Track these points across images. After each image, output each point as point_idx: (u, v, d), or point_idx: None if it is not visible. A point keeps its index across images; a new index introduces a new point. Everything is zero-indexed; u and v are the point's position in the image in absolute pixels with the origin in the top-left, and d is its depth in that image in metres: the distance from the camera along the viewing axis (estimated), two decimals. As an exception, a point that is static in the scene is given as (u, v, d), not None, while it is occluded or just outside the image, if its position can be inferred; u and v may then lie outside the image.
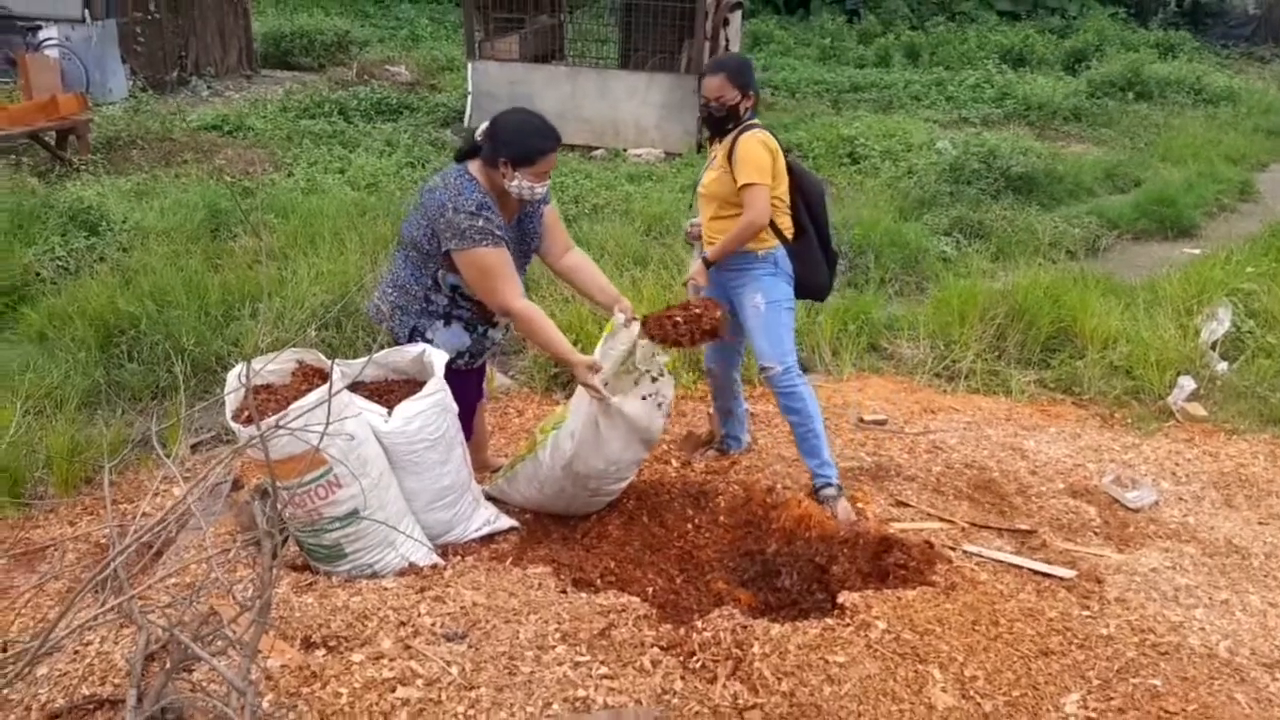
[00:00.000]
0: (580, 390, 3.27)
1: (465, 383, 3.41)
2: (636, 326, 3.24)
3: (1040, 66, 15.28)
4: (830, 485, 3.57)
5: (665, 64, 10.67)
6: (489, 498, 3.50)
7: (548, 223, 3.36)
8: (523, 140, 3.07)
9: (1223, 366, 4.99)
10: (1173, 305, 5.61)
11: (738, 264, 3.56)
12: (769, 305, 3.55)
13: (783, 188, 3.53)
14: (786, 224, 3.58)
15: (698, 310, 3.37)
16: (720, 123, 3.51)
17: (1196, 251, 7.20)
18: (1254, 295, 5.67)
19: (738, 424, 4.03)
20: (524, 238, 3.30)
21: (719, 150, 3.54)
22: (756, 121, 3.53)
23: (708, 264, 3.57)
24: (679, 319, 3.35)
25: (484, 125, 3.15)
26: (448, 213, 3.06)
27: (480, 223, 3.04)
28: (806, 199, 3.61)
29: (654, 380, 3.28)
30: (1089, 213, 7.97)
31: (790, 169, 3.55)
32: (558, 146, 3.14)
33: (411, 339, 3.27)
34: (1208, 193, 8.67)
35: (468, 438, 3.46)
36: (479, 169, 3.14)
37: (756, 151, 3.41)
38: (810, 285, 3.66)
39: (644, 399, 3.26)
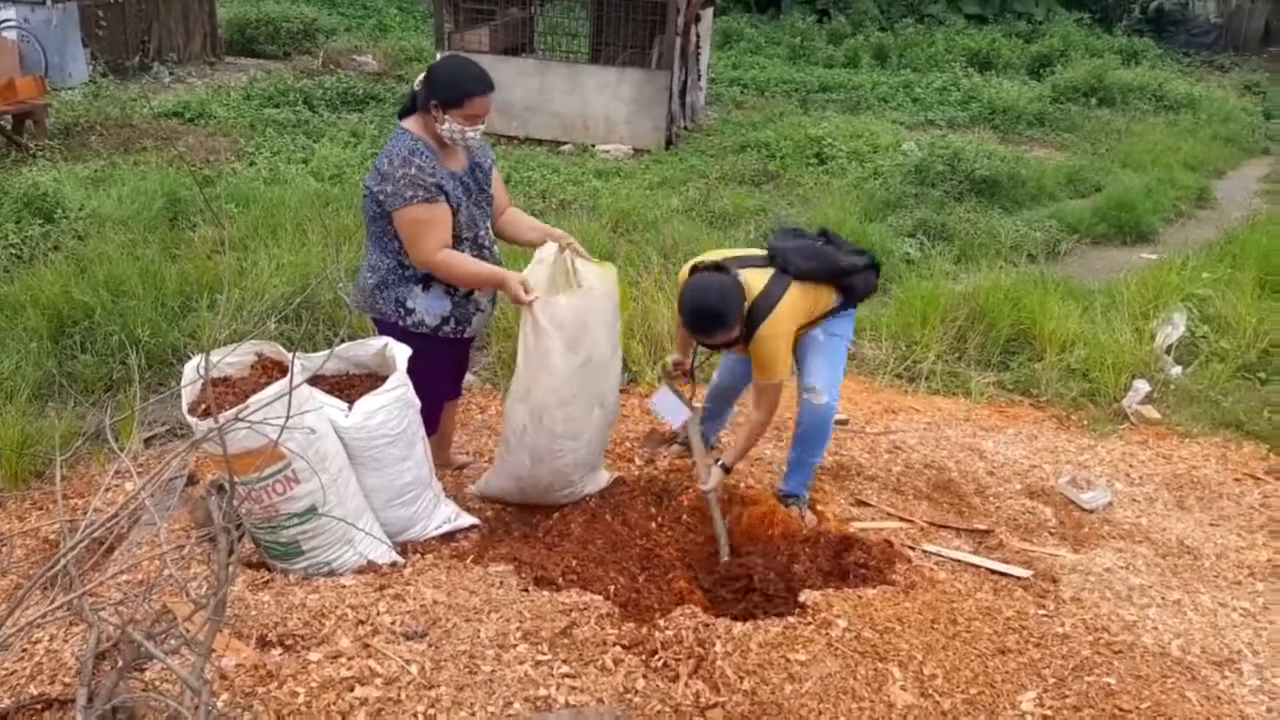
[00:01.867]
0: (521, 334, 3.20)
1: (448, 358, 3.37)
2: (553, 247, 3.22)
3: (1006, 70, 15.46)
4: (799, 500, 3.61)
5: (636, 59, 10.65)
6: (473, 498, 3.49)
7: (494, 183, 3.37)
8: (453, 82, 3.07)
9: (1177, 371, 5.09)
10: (1129, 309, 5.70)
11: None
12: (829, 337, 3.49)
13: (807, 314, 3.40)
14: (826, 305, 3.45)
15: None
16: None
17: (1154, 257, 7.32)
18: (1208, 301, 5.78)
19: (718, 426, 4.04)
20: (480, 186, 3.28)
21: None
22: (762, 284, 3.28)
23: (727, 470, 3.49)
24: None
25: (421, 75, 3.16)
26: (382, 166, 3.08)
27: (412, 171, 3.03)
28: (824, 277, 3.40)
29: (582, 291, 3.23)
30: (1050, 217, 8.09)
31: (792, 271, 3.32)
32: (489, 92, 3.12)
33: (397, 313, 3.24)
34: (1166, 199, 8.82)
35: (434, 429, 3.44)
36: (415, 121, 3.16)
37: (770, 350, 3.28)
38: (860, 295, 3.55)
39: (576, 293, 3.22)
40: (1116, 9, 19.74)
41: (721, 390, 3.95)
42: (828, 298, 3.46)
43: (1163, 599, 3.14)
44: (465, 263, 3.15)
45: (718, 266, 3.31)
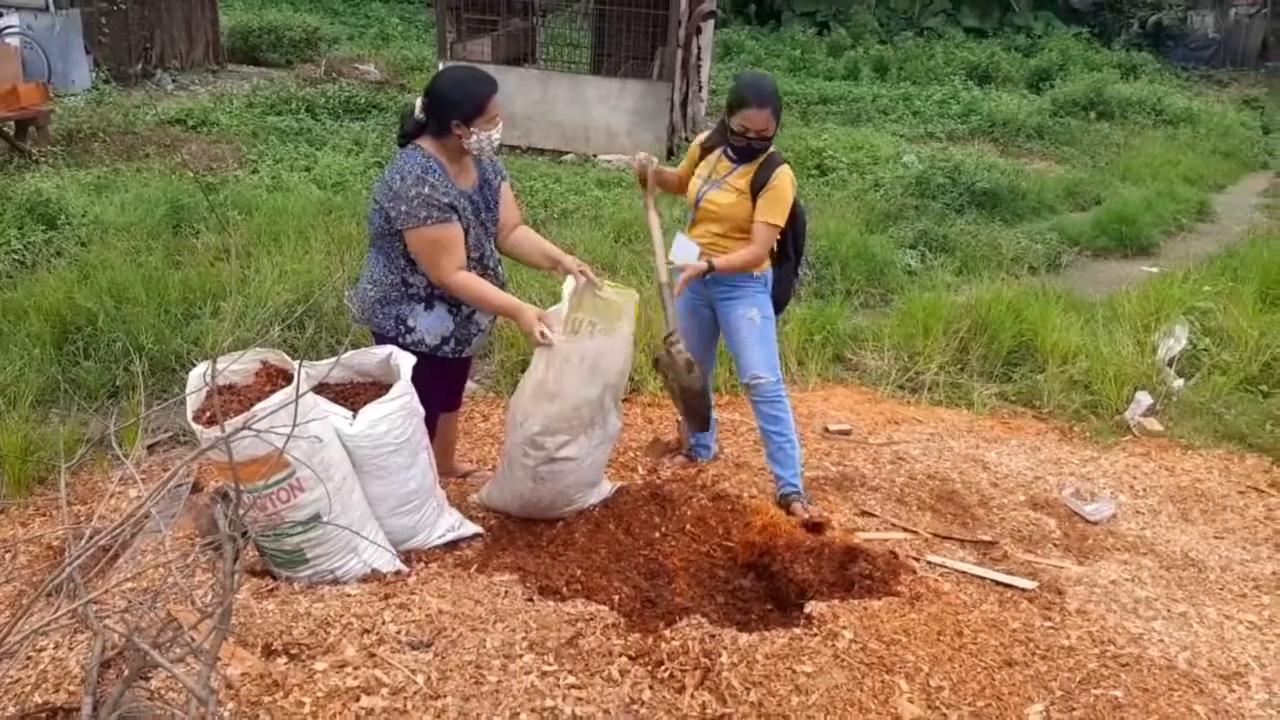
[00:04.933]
0: (534, 362, 3.24)
1: (445, 374, 3.36)
2: (571, 281, 3.22)
3: (1005, 84, 15.52)
4: (798, 494, 3.62)
5: (638, 70, 10.68)
6: (476, 507, 3.49)
7: (505, 198, 3.35)
8: (467, 94, 3.06)
9: (1179, 383, 5.09)
10: (1131, 322, 5.72)
11: (733, 281, 3.63)
12: (764, 320, 3.63)
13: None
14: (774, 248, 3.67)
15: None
16: (756, 154, 3.52)
17: (1154, 270, 7.34)
18: (1210, 314, 5.79)
19: (707, 433, 4.04)
20: (487, 205, 3.27)
21: (738, 174, 3.54)
22: (774, 150, 3.58)
23: (710, 270, 3.53)
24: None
25: (419, 101, 3.13)
26: (394, 184, 3.05)
27: (426, 190, 3.01)
28: (795, 226, 3.67)
29: (595, 327, 3.25)
30: (1050, 229, 8.11)
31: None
32: (497, 88, 3.12)
33: (397, 330, 3.22)
34: (1166, 212, 8.86)
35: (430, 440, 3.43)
36: (427, 143, 3.13)
37: (787, 195, 3.50)
38: (776, 300, 3.76)
39: (592, 336, 3.24)
40: (1115, 24, 19.84)
41: None
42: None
43: (1169, 611, 3.14)
44: (484, 289, 3.14)
45: None
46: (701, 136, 3.75)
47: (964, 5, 20.02)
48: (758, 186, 3.49)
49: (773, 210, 3.48)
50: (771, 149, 3.55)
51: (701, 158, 3.70)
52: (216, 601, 2.28)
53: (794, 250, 3.73)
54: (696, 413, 3.64)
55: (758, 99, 3.42)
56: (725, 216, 3.56)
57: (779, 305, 3.79)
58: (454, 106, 3.05)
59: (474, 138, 3.08)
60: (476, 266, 3.21)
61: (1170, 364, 5.24)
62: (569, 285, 3.24)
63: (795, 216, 3.65)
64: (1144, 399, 4.84)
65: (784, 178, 3.48)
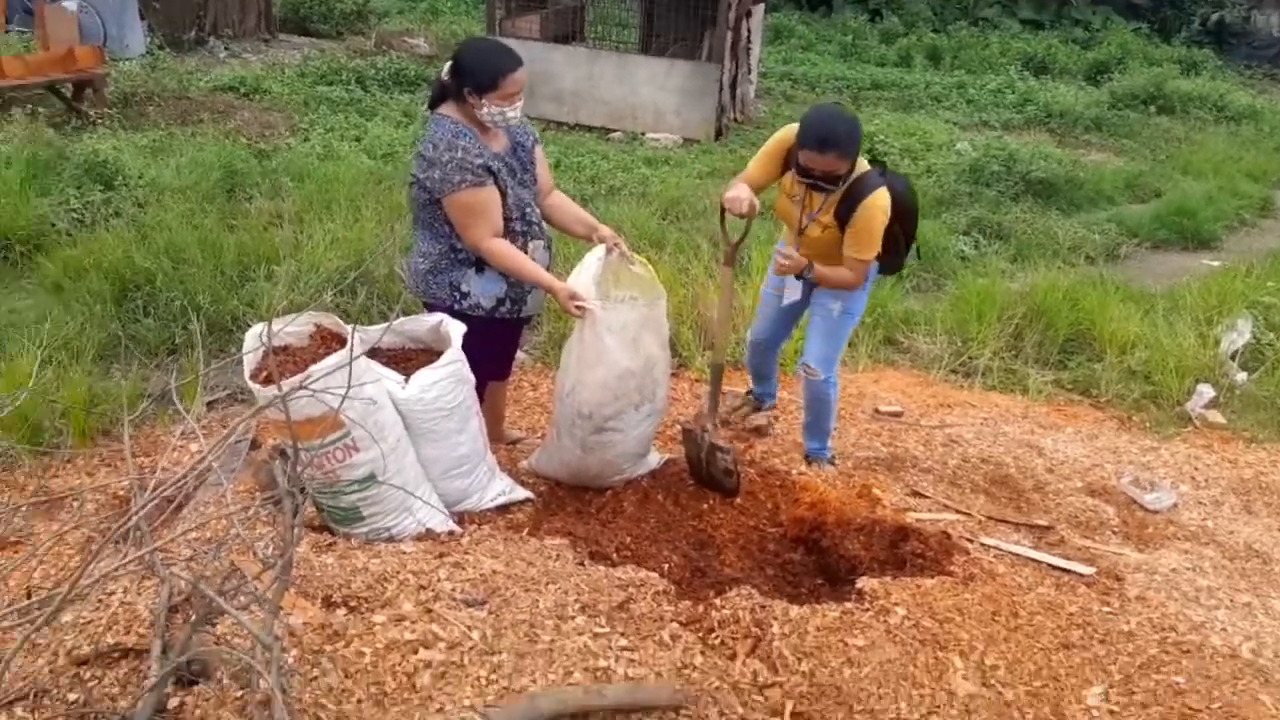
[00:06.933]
0: (575, 334, 3.23)
1: (495, 341, 3.36)
2: (602, 250, 3.21)
3: (1062, 76, 15.18)
4: (820, 458, 3.79)
5: (686, 51, 10.60)
6: (526, 473, 3.53)
7: (539, 161, 3.34)
8: (484, 66, 3.04)
9: (1242, 377, 4.98)
10: (1192, 314, 5.59)
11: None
12: (843, 314, 3.64)
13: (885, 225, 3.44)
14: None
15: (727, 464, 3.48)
16: (826, 191, 3.37)
17: (1216, 263, 7.17)
18: (1274, 308, 5.63)
19: (774, 385, 4.15)
20: (523, 166, 3.26)
21: (826, 206, 3.40)
22: (867, 166, 3.39)
23: (808, 269, 3.46)
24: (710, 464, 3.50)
25: (446, 65, 3.12)
26: (427, 153, 3.06)
27: (458, 154, 3.01)
28: (904, 224, 3.54)
29: (634, 299, 3.25)
30: (1109, 220, 7.94)
31: (886, 179, 3.40)
32: (519, 67, 3.08)
33: (452, 298, 3.23)
34: (1228, 207, 8.62)
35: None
36: (452, 108, 3.12)
37: (877, 224, 3.32)
38: (888, 268, 3.79)
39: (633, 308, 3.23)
40: (1175, 20, 19.31)
41: (759, 346, 3.97)
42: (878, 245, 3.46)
43: (1232, 601, 3.07)
44: (517, 258, 3.13)
45: None
46: (784, 138, 3.46)
47: (1020, -4, 19.63)
48: (843, 219, 3.37)
49: (859, 245, 3.37)
50: (860, 172, 3.35)
51: (784, 171, 3.51)
52: (278, 553, 2.30)
53: (905, 241, 3.64)
54: (718, 487, 3.59)
55: (817, 144, 3.22)
56: (819, 251, 3.50)
57: (890, 270, 3.83)
58: (468, 75, 3.04)
59: (485, 109, 3.06)
60: (521, 225, 3.20)
61: (1233, 357, 5.12)
62: (597, 251, 3.23)
63: (906, 216, 3.53)
64: (1206, 391, 4.74)
65: (871, 209, 3.30)
